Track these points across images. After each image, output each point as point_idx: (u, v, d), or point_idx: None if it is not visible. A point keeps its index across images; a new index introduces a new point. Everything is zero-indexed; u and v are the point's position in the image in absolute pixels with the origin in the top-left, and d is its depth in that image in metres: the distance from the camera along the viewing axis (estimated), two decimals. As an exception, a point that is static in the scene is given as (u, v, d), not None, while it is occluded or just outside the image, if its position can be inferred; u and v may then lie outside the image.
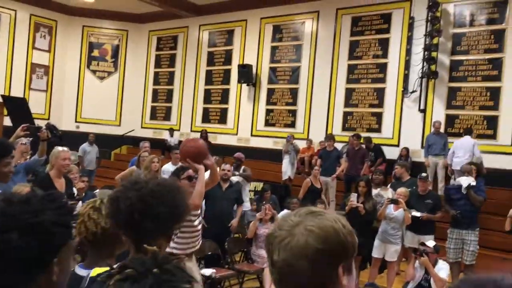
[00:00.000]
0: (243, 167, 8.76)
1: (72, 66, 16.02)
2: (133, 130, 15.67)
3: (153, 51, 16.06)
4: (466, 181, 6.65)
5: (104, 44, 16.28)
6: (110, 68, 16.31)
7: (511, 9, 9.71)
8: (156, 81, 15.97)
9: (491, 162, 9.42)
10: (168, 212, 1.63)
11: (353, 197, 6.25)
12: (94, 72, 16.22)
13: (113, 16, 15.93)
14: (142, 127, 15.97)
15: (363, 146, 10.39)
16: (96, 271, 1.73)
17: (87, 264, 1.93)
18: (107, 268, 1.53)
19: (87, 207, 1.97)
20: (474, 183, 6.62)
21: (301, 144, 11.69)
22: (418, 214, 6.59)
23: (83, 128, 15.46)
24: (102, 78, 16.24)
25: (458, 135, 9.71)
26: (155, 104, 15.95)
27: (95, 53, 16.26)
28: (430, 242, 5.76)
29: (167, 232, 1.68)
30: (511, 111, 9.58)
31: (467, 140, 9.00)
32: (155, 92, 15.97)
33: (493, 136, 9.79)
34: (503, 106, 9.70)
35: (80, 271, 1.89)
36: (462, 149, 8.92)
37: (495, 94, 9.84)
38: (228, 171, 6.77)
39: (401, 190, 6.60)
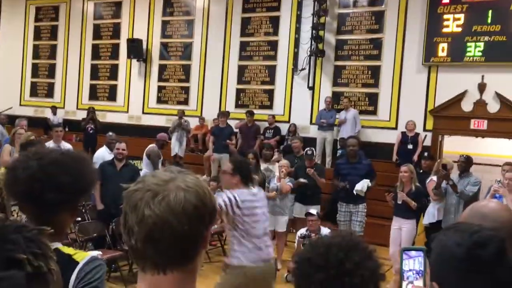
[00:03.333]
0: None
1: None
2: (10, 108, 14.31)
3: (32, 22, 14.71)
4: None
5: (-28, 12, 14.58)
6: (-19, 40, 14.67)
7: (390, -8, 10.34)
8: (36, 55, 14.69)
9: (372, 136, 10.13)
10: (72, 182, 1.49)
11: None
12: (-39, 43, 14.48)
13: (-18, -19, 14.29)
14: (21, 105, 14.67)
15: (256, 123, 10.64)
16: None
17: None
18: None
19: None
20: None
21: (194, 122, 11.56)
22: (304, 180, 6.88)
23: (-50, 106, 13.85)
24: (-29, 51, 14.57)
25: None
26: (35, 80, 14.70)
27: (-38, 22, 14.50)
28: (313, 210, 6.06)
29: (71, 205, 1.55)
30: (389, 89, 10.30)
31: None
32: (35, 66, 14.71)
33: (374, 112, 10.47)
34: (382, 83, 10.39)
35: None
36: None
37: (375, 72, 10.50)
38: (123, 150, 6.48)
39: (283, 161, 6.83)
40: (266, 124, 10.91)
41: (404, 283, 1.20)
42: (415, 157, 8.91)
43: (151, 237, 0.99)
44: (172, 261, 1.01)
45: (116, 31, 13.43)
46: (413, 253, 1.19)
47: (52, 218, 1.46)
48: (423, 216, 6.86)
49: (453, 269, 1.13)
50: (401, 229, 6.17)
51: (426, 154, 8.36)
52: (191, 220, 1.00)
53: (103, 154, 7.23)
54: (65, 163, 1.53)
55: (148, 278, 1.03)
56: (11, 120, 13.29)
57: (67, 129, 12.03)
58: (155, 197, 0.99)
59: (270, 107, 11.51)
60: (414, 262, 1.19)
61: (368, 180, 6.60)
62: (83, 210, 6.41)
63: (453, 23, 9.60)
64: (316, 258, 1.14)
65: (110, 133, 7.82)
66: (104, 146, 7.59)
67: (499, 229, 1.25)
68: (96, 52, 13.72)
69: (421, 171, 7.47)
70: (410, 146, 9.22)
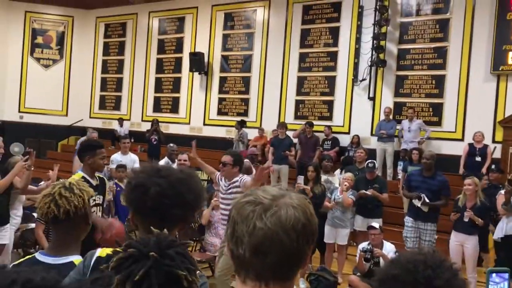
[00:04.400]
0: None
1: (14, 53, 15.26)
2: (81, 120, 15.15)
3: (101, 38, 15.54)
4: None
5: (48, 31, 15.59)
6: (55, 56, 15.65)
7: (455, -1, 10.02)
8: (104, 70, 15.48)
9: (436, 147, 9.80)
10: (193, 199, 1.63)
11: (300, 179, 6.30)
12: (38, 60, 15.51)
13: (57, 1, 15.26)
14: (90, 117, 15.47)
15: (315, 134, 10.60)
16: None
17: (51, 250, 1.85)
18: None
19: (56, 187, 1.91)
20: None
21: (254, 133, 11.69)
22: (367, 192, 6.76)
23: (27, 118, 14.84)
24: (47, 66, 15.57)
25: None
26: (104, 93, 15.47)
27: (39, 40, 15.53)
28: (376, 224, 5.92)
29: (189, 219, 1.68)
30: (454, 99, 9.93)
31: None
32: (103, 80, 15.49)
33: (438, 123, 10.13)
34: (447, 93, 10.04)
35: (42, 258, 1.80)
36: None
37: (440, 82, 10.17)
38: (185, 160, 6.68)
39: (347, 174, 6.73)
40: (324, 135, 10.84)
41: None
42: (484, 170, 8.50)
43: (260, 249, 1.02)
44: (276, 275, 1.04)
45: (179, 46, 13.89)
46: (500, 275, 1.14)
47: (169, 231, 1.57)
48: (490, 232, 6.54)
49: None
50: (462, 245, 5.89)
51: (493, 166, 7.96)
52: (298, 238, 1.03)
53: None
54: (188, 181, 1.65)
55: None
56: (81, 132, 14.04)
57: (132, 140, 12.54)
58: (267, 210, 1.03)
59: (329, 118, 11.43)
60: (503, 285, 1.14)
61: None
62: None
63: (524, 29, 9.14)
64: (404, 275, 1.13)
65: (171, 145, 8.04)
66: (166, 157, 7.80)
67: None
68: (160, 66, 14.25)
69: (489, 184, 7.12)
70: (478, 159, 8.81)
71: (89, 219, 1.93)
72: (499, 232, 6.27)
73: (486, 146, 8.95)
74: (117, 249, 1.08)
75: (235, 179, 5.03)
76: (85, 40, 15.63)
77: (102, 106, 15.45)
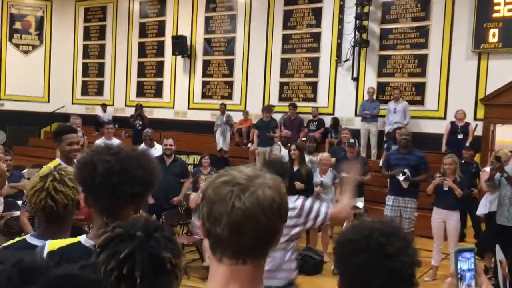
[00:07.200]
0: None
1: (-9, 39, 14.93)
2: (63, 106, 14.94)
3: (81, 22, 15.27)
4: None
5: (26, 16, 15.25)
6: (34, 42, 15.35)
7: (436, -22, 10.03)
8: (85, 55, 15.24)
9: (419, 126, 9.91)
10: (144, 176, 1.60)
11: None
12: (17, 45, 15.19)
13: (34, -15, 14.92)
14: (73, 103, 15.28)
15: (300, 115, 10.64)
16: (53, 244, 1.62)
17: (42, 234, 1.88)
18: (68, 241, 1.61)
19: (48, 181, 1.89)
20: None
21: (238, 116, 11.67)
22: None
23: (8, 106, 14.59)
24: (26, 52, 15.26)
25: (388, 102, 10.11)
26: (86, 79, 15.27)
27: (17, 25, 15.19)
28: (360, 204, 6.00)
29: (140, 199, 1.65)
30: (437, 78, 10.01)
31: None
32: (85, 66, 15.27)
33: (421, 102, 10.22)
34: (430, 72, 10.12)
35: (34, 241, 1.83)
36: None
37: (422, 61, 10.23)
38: (171, 145, 6.66)
39: (324, 154, 6.80)
40: (310, 117, 10.87)
41: (461, 285, 1.16)
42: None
43: (238, 228, 1.05)
44: (253, 252, 1.08)
45: (161, 29, 13.72)
46: (467, 254, 1.17)
47: (121, 212, 1.56)
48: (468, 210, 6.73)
49: None
50: (444, 222, 6.02)
51: (467, 144, 8.15)
52: (274, 216, 1.07)
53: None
54: (138, 158, 1.63)
55: (224, 267, 1.08)
56: (64, 118, 13.86)
57: (116, 126, 12.45)
58: (245, 191, 1.06)
59: (314, 99, 11.45)
60: (469, 263, 1.16)
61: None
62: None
63: (504, 7, 9.21)
64: (358, 240, 1.18)
65: (146, 130, 7.86)
66: (143, 143, 7.57)
67: None
68: (142, 50, 14.08)
69: (463, 161, 7.27)
70: (460, 136, 8.94)
71: (79, 204, 1.94)
72: (482, 208, 6.42)
73: (468, 124, 9.07)
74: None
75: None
76: (64, 25, 15.34)
77: (85, 91, 15.26)
